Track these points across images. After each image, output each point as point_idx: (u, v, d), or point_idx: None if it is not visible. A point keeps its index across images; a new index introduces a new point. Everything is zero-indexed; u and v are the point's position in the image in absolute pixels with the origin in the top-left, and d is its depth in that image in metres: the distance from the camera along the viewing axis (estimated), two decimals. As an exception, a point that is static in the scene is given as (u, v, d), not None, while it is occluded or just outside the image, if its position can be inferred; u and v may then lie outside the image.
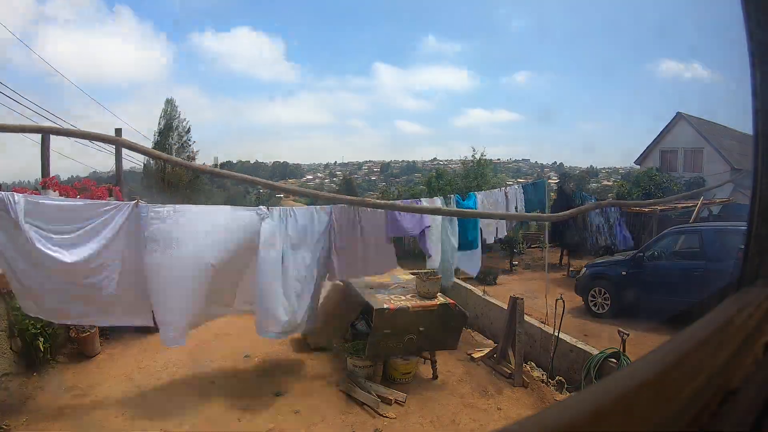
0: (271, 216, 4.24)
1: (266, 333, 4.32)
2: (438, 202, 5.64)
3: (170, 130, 22.00)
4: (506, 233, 7.21)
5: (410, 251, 12.26)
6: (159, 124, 22.04)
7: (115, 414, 3.95)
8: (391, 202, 4.32)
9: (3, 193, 3.44)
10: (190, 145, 22.70)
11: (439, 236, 5.45)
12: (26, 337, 4.48)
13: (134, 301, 3.89)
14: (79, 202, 4.09)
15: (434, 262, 5.37)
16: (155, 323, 3.99)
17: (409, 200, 6.54)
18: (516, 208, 6.84)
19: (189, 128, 22.51)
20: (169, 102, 22.47)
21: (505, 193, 6.82)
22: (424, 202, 5.52)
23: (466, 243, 5.83)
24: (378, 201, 4.01)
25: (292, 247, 4.34)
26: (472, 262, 6.07)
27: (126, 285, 3.80)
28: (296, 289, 4.37)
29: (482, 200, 6.27)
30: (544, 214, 6.71)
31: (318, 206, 4.60)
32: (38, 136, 8.18)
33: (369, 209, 4.73)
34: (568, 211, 4.16)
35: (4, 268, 3.52)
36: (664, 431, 0.46)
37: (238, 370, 4.93)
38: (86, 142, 11.40)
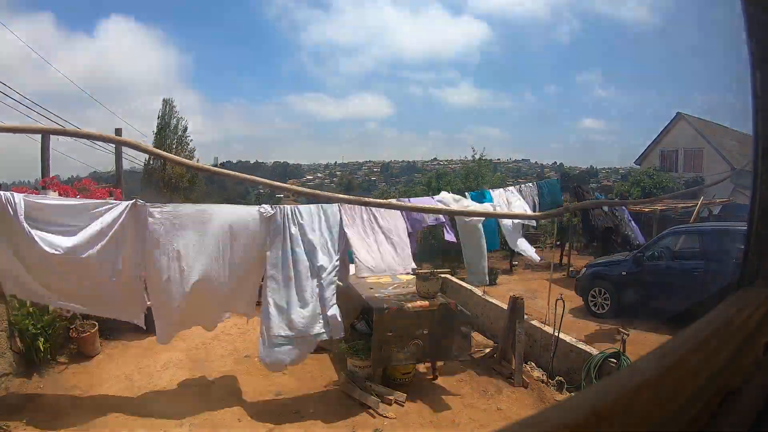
0: (276, 214, 4.14)
1: (272, 347, 4.01)
2: (449, 197, 5.43)
3: (167, 129, 22.14)
4: (534, 224, 7.18)
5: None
6: (159, 123, 22.16)
7: (115, 414, 3.94)
8: (395, 201, 4.23)
9: (3, 192, 3.44)
10: (188, 144, 22.85)
11: (476, 234, 5.43)
12: (26, 337, 4.48)
13: (126, 297, 3.88)
14: (78, 201, 4.09)
15: (475, 263, 5.38)
16: (145, 324, 4.02)
17: (425, 198, 6.34)
18: (536, 204, 6.74)
19: (186, 127, 22.70)
20: (166, 102, 22.63)
21: (519, 190, 6.70)
22: (437, 198, 5.42)
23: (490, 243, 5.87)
24: (377, 200, 3.95)
25: (301, 246, 4.18)
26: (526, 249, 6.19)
27: (121, 282, 3.79)
28: (307, 292, 4.18)
29: (497, 198, 6.16)
30: (547, 212, 6.65)
31: (324, 204, 4.38)
32: (38, 135, 8.19)
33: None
34: (562, 207, 4.16)
35: None
36: (664, 431, 0.46)
37: (238, 370, 4.92)
38: (87, 141, 11.41)
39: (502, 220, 6.00)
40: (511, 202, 6.28)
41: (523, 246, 6.23)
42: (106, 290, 3.81)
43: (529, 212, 6.40)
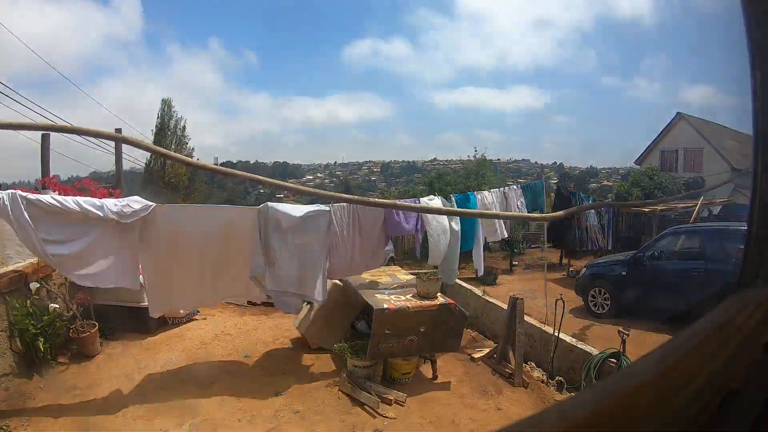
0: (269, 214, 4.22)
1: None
2: (438, 201, 5.59)
3: (166, 128, 22.30)
4: (506, 235, 7.04)
5: (410, 251, 12.25)
6: (157, 123, 22.29)
7: (115, 414, 3.94)
8: (391, 201, 4.30)
9: (2, 192, 3.45)
10: (186, 143, 23.01)
11: (442, 236, 5.41)
12: (26, 337, 4.47)
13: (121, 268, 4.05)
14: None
15: (436, 260, 5.34)
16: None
17: (409, 200, 6.49)
18: (517, 208, 6.77)
19: (185, 127, 22.89)
20: (165, 101, 22.80)
21: (504, 193, 6.77)
22: (424, 201, 5.51)
23: (465, 243, 5.81)
24: (378, 200, 3.99)
25: (293, 244, 4.33)
26: (478, 259, 6.04)
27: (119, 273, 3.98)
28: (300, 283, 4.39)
29: (481, 200, 6.20)
30: (541, 214, 6.68)
31: (317, 204, 4.58)
32: (38, 135, 8.20)
33: (369, 209, 4.72)
34: (563, 211, 4.17)
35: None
36: (664, 431, 0.46)
37: (238, 370, 4.92)
38: (87, 141, 11.41)
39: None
40: (487, 204, 6.27)
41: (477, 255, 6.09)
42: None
43: (513, 213, 6.46)
